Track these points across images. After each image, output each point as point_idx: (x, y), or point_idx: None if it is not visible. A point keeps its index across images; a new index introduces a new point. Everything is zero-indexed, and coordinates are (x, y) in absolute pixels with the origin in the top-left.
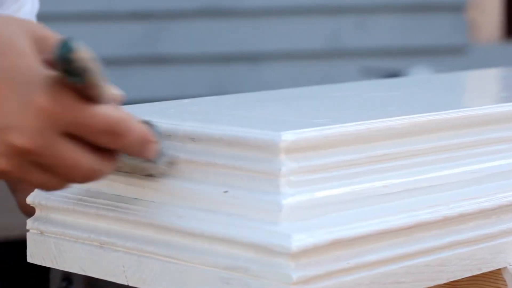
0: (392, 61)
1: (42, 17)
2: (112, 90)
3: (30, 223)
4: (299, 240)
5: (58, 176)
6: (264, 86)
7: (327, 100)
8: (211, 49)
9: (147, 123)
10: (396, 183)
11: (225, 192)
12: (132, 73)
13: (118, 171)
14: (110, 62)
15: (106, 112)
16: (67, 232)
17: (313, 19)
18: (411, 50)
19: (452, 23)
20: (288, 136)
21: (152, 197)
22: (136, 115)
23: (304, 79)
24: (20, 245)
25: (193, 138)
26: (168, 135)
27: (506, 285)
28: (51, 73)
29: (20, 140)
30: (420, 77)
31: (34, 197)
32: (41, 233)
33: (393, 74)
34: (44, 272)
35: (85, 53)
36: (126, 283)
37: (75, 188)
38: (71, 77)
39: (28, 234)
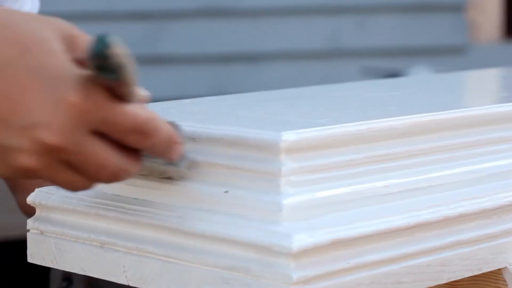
0: (392, 61)
1: None
2: (140, 91)
3: (30, 223)
4: (300, 240)
5: (85, 175)
6: (264, 86)
7: (327, 100)
8: (211, 49)
9: (172, 124)
10: (397, 183)
11: (226, 192)
12: None
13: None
14: None
15: (135, 110)
16: (68, 232)
17: (313, 19)
18: (411, 50)
19: (452, 23)
20: (289, 136)
21: (152, 197)
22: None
23: (304, 79)
24: (20, 245)
25: (193, 138)
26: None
27: (507, 285)
28: (82, 71)
29: (50, 137)
30: (420, 77)
31: (35, 197)
32: (41, 233)
33: (393, 74)
34: (44, 272)
35: (121, 49)
36: (126, 283)
37: None
38: (105, 74)
39: (28, 234)
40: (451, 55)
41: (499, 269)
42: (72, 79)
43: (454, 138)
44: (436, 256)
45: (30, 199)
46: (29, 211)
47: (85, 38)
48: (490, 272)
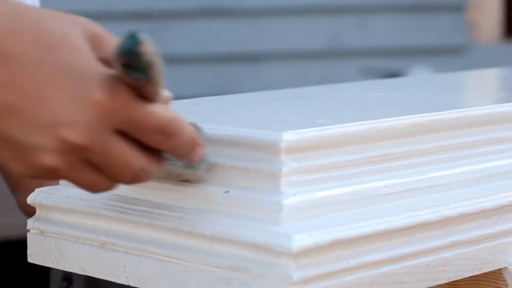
0: (392, 61)
1: None
2: (163, 91)
3: (30, 223)
4: (300, 240)
5: (108, 176)
6: (264, 86)
7: (328, 100)
8: (211, 49)
9: (194, 125)
10: (397, 183)
11: (226, 192)
12: None
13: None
14: None
15: (159, 111)
16: (68, 232)
17: (313, 19)
18: (411, 50)
19: (452, 23)
20: (289, 136)
21: (152, 197)
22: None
23: (304, 79)
24: (20, 245)
25: None
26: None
27: (507, 285)
28: (107, 69)
29: (74, 136)
30: (420, 77)
31: (35, 197)
32: (42, 233)
33: (393, 74)
34: (44, 272)
35: (151, 47)
36: (126, 283)
37: (75, 188)
38: (132, 72)
39: (28, 234)
40: (451, 55)
41: (499, 269)
42: (98, 77)
43: (454, 138)
44: (436, 256)
45: (30, 199)
46: (29, 211)
47: (109, 37)
48: (490, 272)
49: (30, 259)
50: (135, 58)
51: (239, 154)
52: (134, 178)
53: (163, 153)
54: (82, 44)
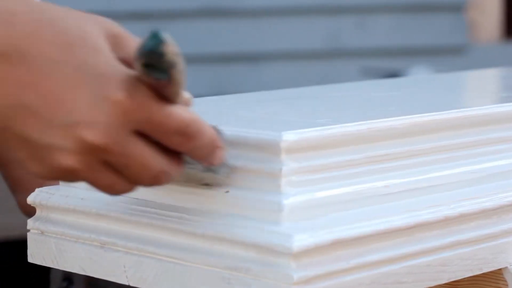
0: (392, 61)
1: None
2: (184, 93)
3: (30, 223)
4: (300, 240)
5: (127, 177)
6: (264, 86)
7: (328, 100)
8: (211, 49)
9: (214, 128)
10: (397, 183)
11: (226, 192)
12: None
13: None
14: None
15: (180, 112)
16: (68, 232)
17: (313, 19)
18: (411, 50)
19: (452, 23)
20: (289, 136)
21: (152, 197)
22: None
23: (304, 79)
24: (20, 245)
25: None
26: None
27: (507, 285)
28: (127, 69)
29: (92, 136)
30: (420, 77)
31: (35, 197)
32: (42, 233)
33: (393, 74)
34: (44, 272)
35: (174, 47)
36: (126, 283)
37: (75, 188)
38: (154, 72)
39: (28, 234)
40: (451, 55)
41: (499, 269)
42: (117, 77)
43: (454, 138)
44: (436, 256)
45: (31, 199)
46: (29, 211)
47: (130, 38)
48: (490, 272)
49: (30, 259)
50: (157, 58)
51: (239, 154)
52: (153, 180)
53: (183, 156)
54: (101, 43)
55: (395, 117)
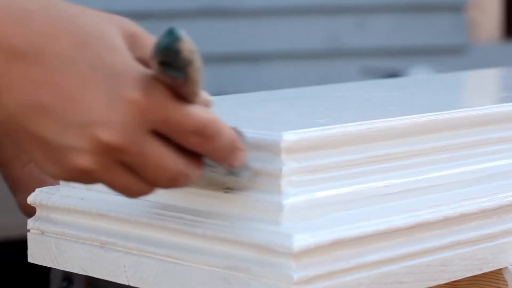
0: (392, 61)
1: None
2: (204, 94)
3: (31, 223)
4: (301, 240)
5: (144, 178)
6: (264, 86)
7: (328, 100)
8: (211, 49)
9: (235, 130)
10: (397, 183)
11: (226, 192)
12: None
13: (193, 185)
14: None
15: (198, 112)
16: (68, 232)
17: (313, 19)
18: (411, 50)
19: (452, 23)
20: (289, 136)
21: (152, 197)
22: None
23: (304, 79)
24: (20, 245)
25: None
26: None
27: (507, 285)
28: (144, 68)
29: (108, 135)
30: (420, 77)
31: (35, 197)
32: (42, 233)
33: (393, 74)
34: (44, 272)
35: (191, 44)
36: (127, 283)
37: (75, 188)
38: (170, 71)
39: (29, 234)
40: (451, 55)
41: (499, 269)
42: (134, 76)
43: (454, 138)
44: (436, 256)
45: (31, 199)
46: (29, 211)
47: (148, 37)
48: (490, 272)
49: (30, 259)
50: (173, 55)
51: None
52: (171, 181)
53: (204, 158)
54: (118, 42)
55: (395, 117)
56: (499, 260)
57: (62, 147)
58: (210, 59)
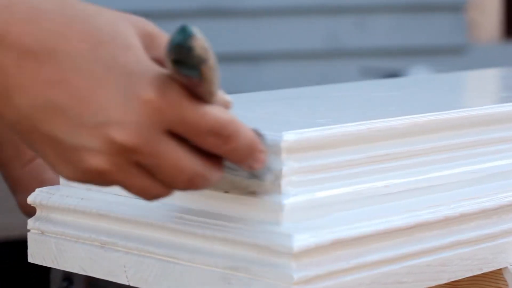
0: (392, 61)
1: None
2: (223, 95)
3: (31, 223)
4: (301, 240)
5: (160, 180)
6: (264, 86)
7: (328, 100)
8: None
9: (256, 131)
10: (397, 183)
11: (226, 192)
12: None
13: (215, 188)
14: None
15: (214, 112)
16: (68, 232)
17: (313, 19)
18: (411, 50)
19: (452, 23)
20: (290, 136)
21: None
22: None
23: (304, 79)
24: (20, 245)
25: None
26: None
27: (507, 285)
28: (159, 68)
29: (122, 136)
30: (420, 77)
31: (35, 197)
32: (42, 233)
33: (393, 74)
34: (44, 272)
35: (204, 42)
36: (127, 283)
37: (75, 188)
38: (184, 69)
39: (29, 234)
40: (451, 55)
41: (499, 269)
42: (148, 75)
43: (454, 138)
44: (436, 256)
45: (31, 199)
46: (29, 211)
47: (165, 37)
48: (490, 272)
49: (30, 259)
50: (186, 53)
51: None
52: (188, 183)
53: (225, 161)
54: (133, 42)
55: (395, 117)
56: (499, 260)
57: (75, 147)
58: None
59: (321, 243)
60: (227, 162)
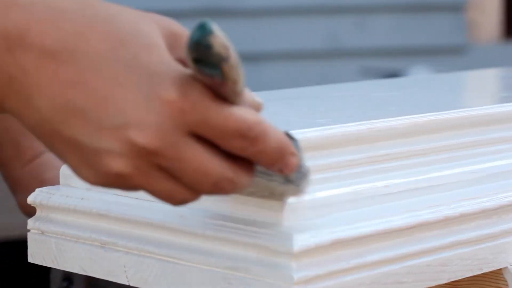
0: (392, 61)
1: None
2: (252, 96)
3: (31, 223)
4: (301, 241)
5: (184, 184)
6: (264, 86)
7: (328, 100)
8: None
9: (286, 134)
10: (397, 183)
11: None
12: None
13: (247, 194)
14: None
15: (240, 113)
16: (68, 232)
17: (313, 19)
18: (411, 50)
19: (452, 23)
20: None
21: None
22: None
23: (304, 79)
24: (20, 245)
25: None
26: None
27: (507, 285)
28: (183, 68)
29: (143, 138)
30: (420, 77)
31: (35, 197)
32: (42, 233)
33: (393, 74)
34: (44, 272)
35: (224, 39)
36: (127, 283)
37: (75, 188)
38: (205, 68)
39: (29, 234)
40: (451, 55)
41: (500, 269)
42: (170, 75)
43: (454, 138)
44: (436, 256)
45: (31, 199)
46: (29, 211)
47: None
48: (491, 272)
49: (30, 259)
50: (205, 50)
51: None
52: (214, 187)
53: (257, 165)
54: (156, 41)
55: (395, 117)
56: (499, 260)
57: (96, 150)
58: None
59: (321, 243)
60: (261, 167)
